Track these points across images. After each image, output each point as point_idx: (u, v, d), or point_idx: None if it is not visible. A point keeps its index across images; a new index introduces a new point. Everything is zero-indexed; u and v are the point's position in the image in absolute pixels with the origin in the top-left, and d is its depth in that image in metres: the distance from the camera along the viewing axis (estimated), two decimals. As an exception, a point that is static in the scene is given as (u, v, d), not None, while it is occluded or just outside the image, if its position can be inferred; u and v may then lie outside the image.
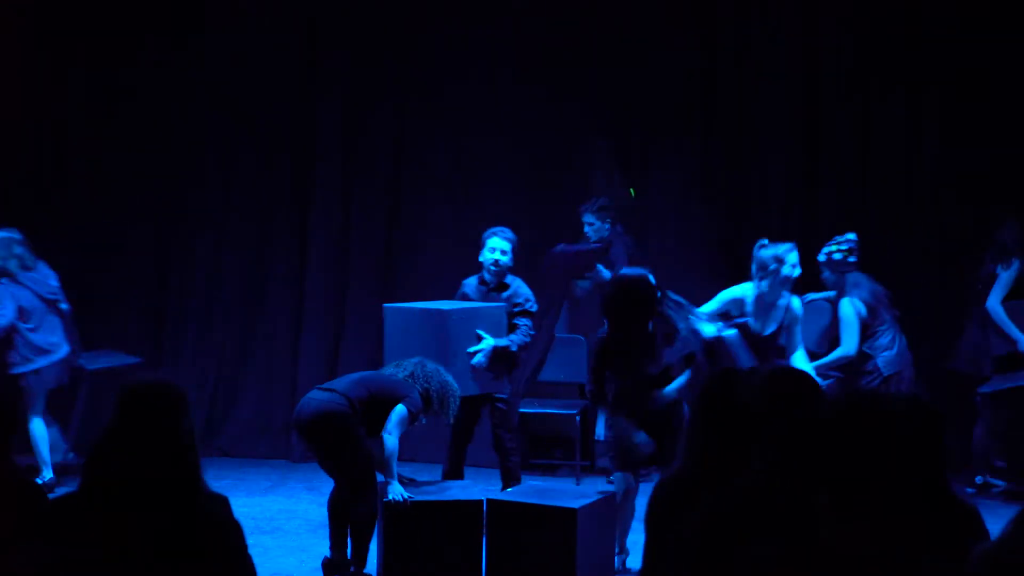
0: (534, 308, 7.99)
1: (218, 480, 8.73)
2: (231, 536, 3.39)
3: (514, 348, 7.80)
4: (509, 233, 7.97)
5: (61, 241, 9.97)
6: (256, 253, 10.07)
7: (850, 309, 8.02)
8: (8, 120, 9.84)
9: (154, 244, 10.03)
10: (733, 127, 9.64)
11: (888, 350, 8.05)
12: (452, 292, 9.63)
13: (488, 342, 7.63)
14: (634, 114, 9.69)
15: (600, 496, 6.77)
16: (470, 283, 8.08)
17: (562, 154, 9.87)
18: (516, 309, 7.89)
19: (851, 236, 8.18)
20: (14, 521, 3.67)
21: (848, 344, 8.00)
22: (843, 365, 8.06)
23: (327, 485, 9.25)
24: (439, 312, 7.51)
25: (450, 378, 7.02)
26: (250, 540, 3.50)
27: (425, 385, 6.91)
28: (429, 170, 9.93)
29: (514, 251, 7.94)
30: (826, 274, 8.25)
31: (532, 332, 7.96)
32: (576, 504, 6.40)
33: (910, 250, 9.43)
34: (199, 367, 10.00)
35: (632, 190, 9.91)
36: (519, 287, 7.99)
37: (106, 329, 9.95)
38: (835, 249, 8.14)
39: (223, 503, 3.68)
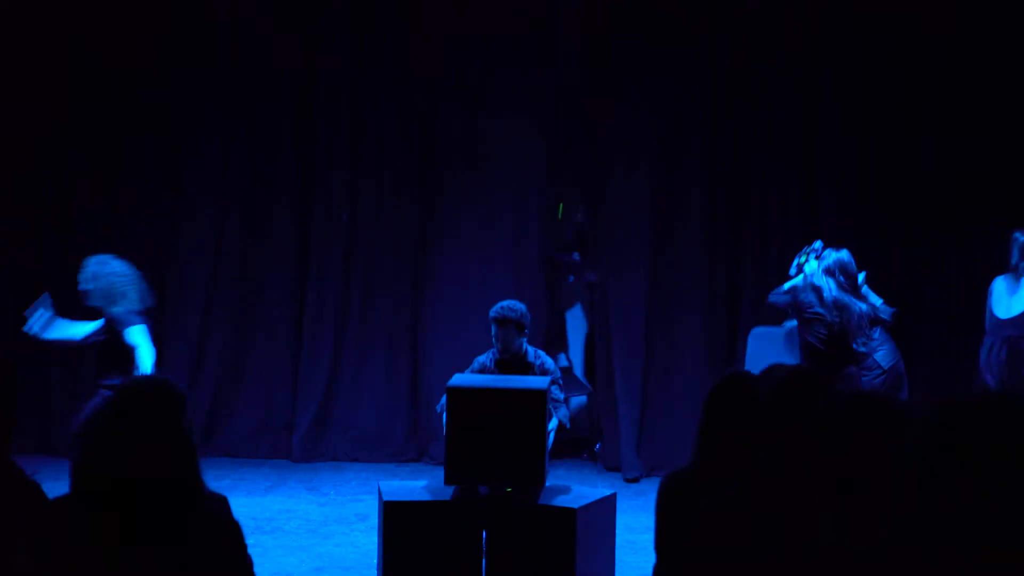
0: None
1: (218, 480, 8.74)
2: (230, 537, 3.38)
3: (568, 426, 7.42)
4: (514, 311, 7.42)
5: (61, 241, 9.97)
6: (257, 253, 10.07)
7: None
8: (8, 120, 9.83)
9: (154, 244, 10.02)
10: (733, 130, 9.64)
11: (882, 345, 8.21)
12: (456, 293, 9.66)
13: (553, 421, 7.11)
14: (631, 112, 9.68)
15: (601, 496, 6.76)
16: (485, 361, 7.55)
17: (570, 151, 9.88)
18: (549, 380, 7.27)
19: (817, 244, 8.38)
20: (13, 521, 3.66)
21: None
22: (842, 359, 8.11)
23: (327, 485, 9.30)
24: None
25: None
26: (250, 540, 3.50)
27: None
28: (436, 169, 9.93)
29: (520, 324, 7.41)
30: None
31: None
32: (576, 504, 6.39)
33: (909, 251, 9.44)
34: (199, 367, 10.00)
35: (560, 206, 9.94)
36: (543, 359, 7.49)
37: (106, 329, 9.96)
38: (805, 259, 8.30)
39: (222, 503, 3.67)
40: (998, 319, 8.17)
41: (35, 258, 10.00)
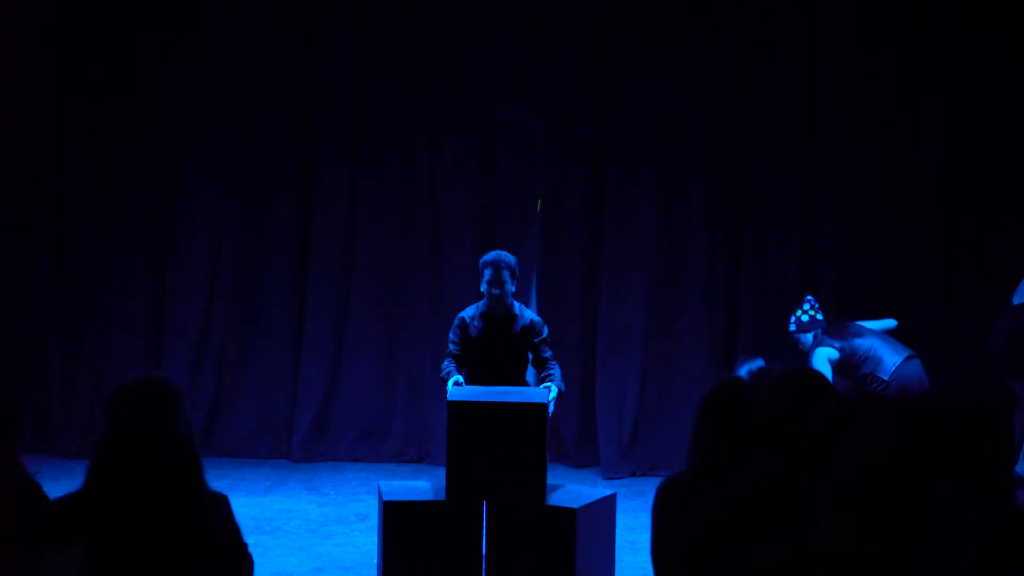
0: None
1: (218, 480, 8.73)
2: (230, 538, 3.38)
3: (564, 389, 7.21)
4: (509, 256, 7.34)
5: (61, 241, 9.97)
6: (257, 253, 10.06)
7: (820, 357, 8.34)
8: (8, 120, 9.83)
9: (154, 244, 10.02)
10: (733, 130, 9.64)
11: (881, 358, 8.27)
12: (457, 293, 9.65)
13: (554, 391, 7.02)
14: (631, 112, 9.69)
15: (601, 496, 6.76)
16: (467, 317, 7.35)
17: (570, 151, 9.87)
18: (537, 340, 7.25)
19: (808, 297, 8.65)
20: (13, 521, 3.66)
21: None
22: None
23: (327, 485, 9.30)
24: None
25: None
26: (250, 540, 3.50)
27: None
28: (436, 169, 9.92)
29: (513, 271, 7.27)
30: (803, 339, 8.57)
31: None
32: (576, 504, 6.39)
33: (909, 251, 9.44)
34: (200, 367, 9.99)
35: (539, 201, 9.93)
36: (529, 315, 7.33)
37: (106, 329, 9.95)
38: (800, 312, 8.47)
39: (223, 503, 3.67)
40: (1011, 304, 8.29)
41: (35, 258, 10.00)
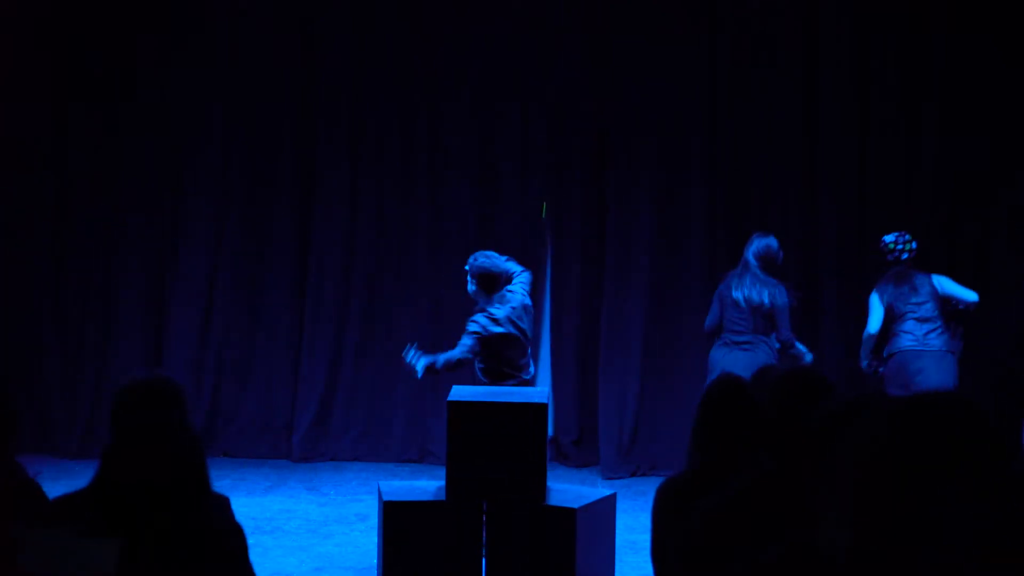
0: (473, 327, 7.51)
1: (218, 480, 8.66)
2: (232, 540, 3.38)
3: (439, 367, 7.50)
4: (472, 261, 7.64)
5: (61, 241, 9.97)
6: (257, 253, 10.07)
7: (876, 299, 8.40)
8: (8, 120, 9.83)
9: (154, 244, 10.02)
10: (733, 130, 9.64)
11: (896, 338, 8.28)
12: (457, 294, 9.64)
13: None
14: (631, 112, 9.69)
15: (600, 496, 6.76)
16: None
17: (570, 152, 9.87)
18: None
19: (904, 237, 8.51)
20: (13, 521, 3.66)
21: (870, 324, 8.38)
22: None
23: (327, 485, 9.30)
24: None
25: None
26: (250, 540, 3.49)
27: None
28: (436, 169, 9.93)
29: (474, 275, 7.59)
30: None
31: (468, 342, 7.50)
32: (576, 504, 6.39)
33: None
34: (200, 367, 9.99)
35: (543, 206, 9.93)
36: (476, 316, 7.60)
37: (106, 329, 9.95)
38: (890, 240, 8.46)
39: (223, 504, 3.67)
40: None
41: (35, 258, 10.00)
